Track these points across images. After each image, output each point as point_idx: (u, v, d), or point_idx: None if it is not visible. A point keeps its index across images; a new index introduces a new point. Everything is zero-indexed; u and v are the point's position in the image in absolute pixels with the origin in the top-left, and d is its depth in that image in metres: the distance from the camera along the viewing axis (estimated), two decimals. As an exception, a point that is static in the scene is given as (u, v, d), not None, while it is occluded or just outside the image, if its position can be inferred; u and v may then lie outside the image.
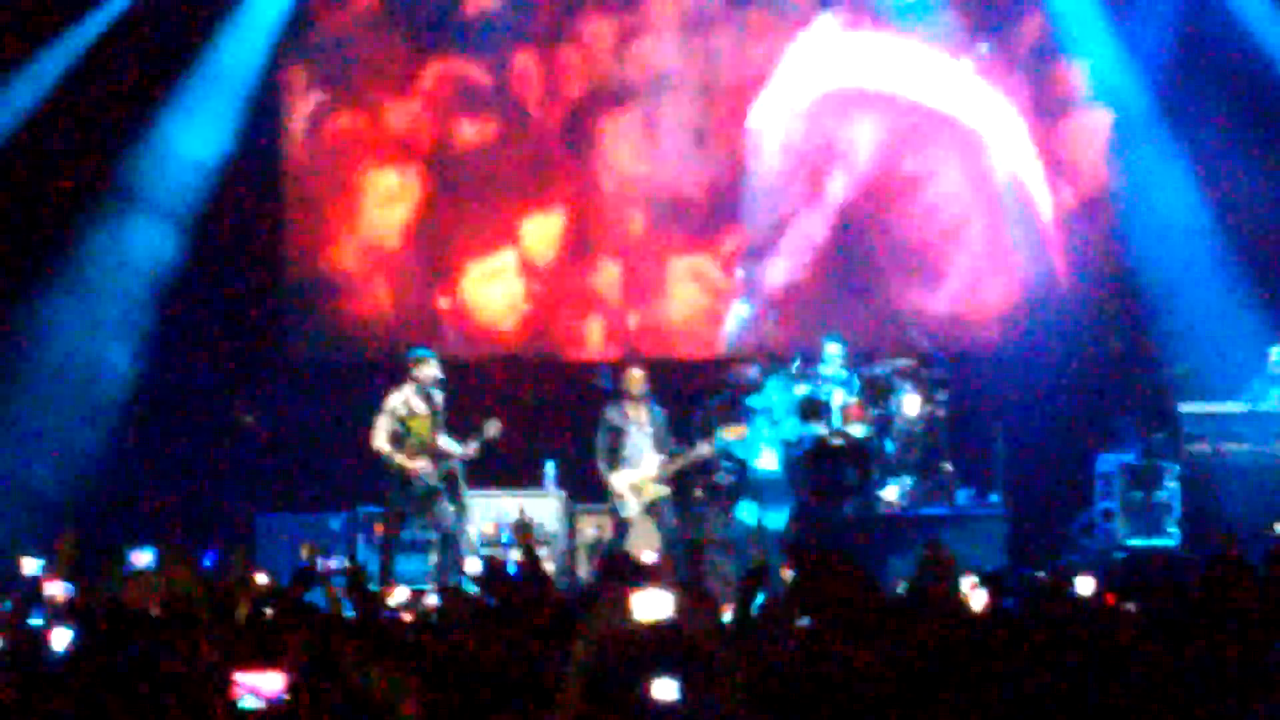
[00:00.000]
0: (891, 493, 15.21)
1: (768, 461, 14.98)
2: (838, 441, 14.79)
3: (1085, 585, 8.18)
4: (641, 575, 8.56)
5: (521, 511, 11.76)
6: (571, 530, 15.17)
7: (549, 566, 13.29)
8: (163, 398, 16.56)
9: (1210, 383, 15.40)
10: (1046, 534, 15.20)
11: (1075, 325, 16.88)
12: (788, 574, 9.29)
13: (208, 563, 9.88)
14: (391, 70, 17.43)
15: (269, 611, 7.65)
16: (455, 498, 14.04)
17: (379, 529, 14.38)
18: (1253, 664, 6.26)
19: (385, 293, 17.43)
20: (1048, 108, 17.29)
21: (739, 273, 17.39)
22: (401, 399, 13.89)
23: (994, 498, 15.33)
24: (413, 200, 17.43)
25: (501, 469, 14.89)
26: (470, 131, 17.43)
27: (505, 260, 17.38)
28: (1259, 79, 16.43)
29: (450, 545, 13.76)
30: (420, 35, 17.47)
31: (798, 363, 15.39)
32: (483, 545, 14.41)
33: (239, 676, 5.77)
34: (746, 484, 14.92)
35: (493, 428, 13.85)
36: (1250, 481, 14.66)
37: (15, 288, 16.39)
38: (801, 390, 15.18)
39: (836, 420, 14.99)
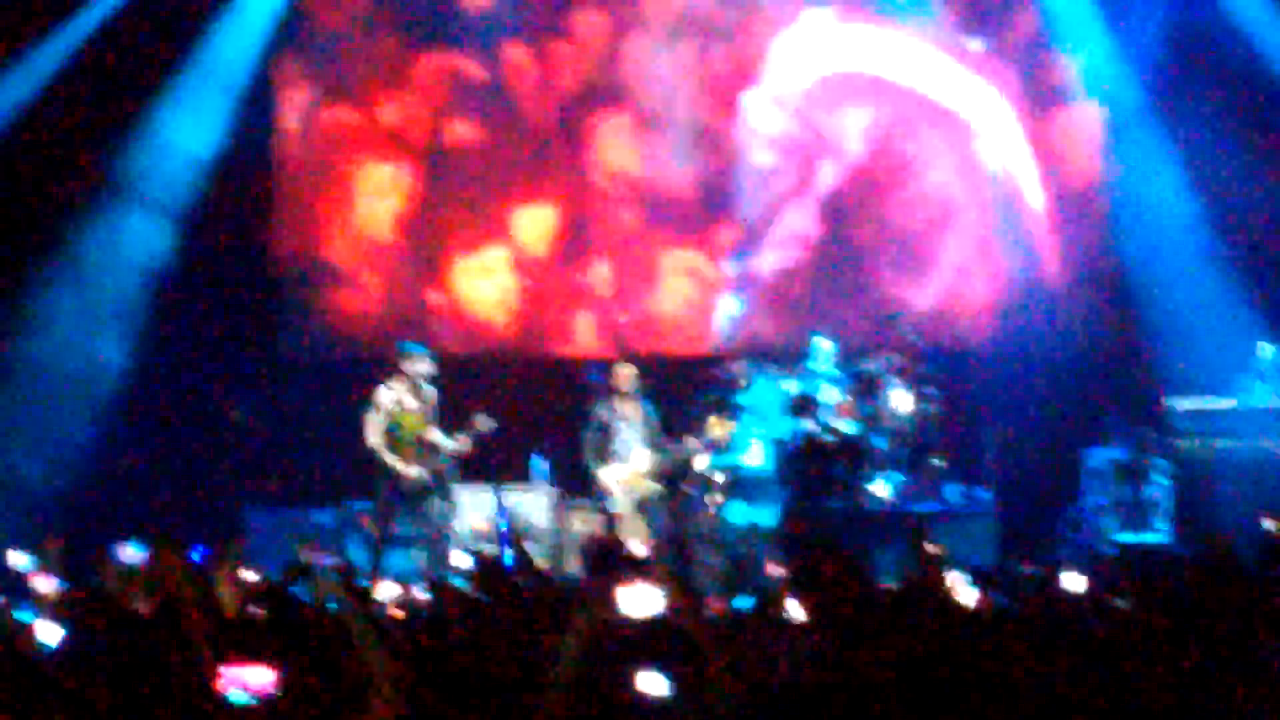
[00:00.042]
0: (881, 489, 15.21)
1: (755, 458, 14.99)
2: (828, 438, 14.79)
3: (1074, 582, 8.19)
4: (631, 567, 8.56)
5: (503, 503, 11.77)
6: (561, 526, 15.16)
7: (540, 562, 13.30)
8: (153, 392, 16.55)
9: (1199, 378, 15.42)
10: (1036, 530, 15.20)
11: (1065, 320, 16.90)
12: (775, 571, 9.31)
13: (197, 557, 9.85)
14: (385, 65, 17.44)
15: (258, 607, 7.64)
16: (444, 493, 14.03)
17: (367, 524, 14.37)
18: (1243, 659, 6.27)
19: (377, 287, 17.43)
20: (1039, 102, 17.30)
21: (729, 267, 17.39)
22: (392, 395, 13.88)
23: (984, 493, 15.33)
24: (405, 195, 17.45)
25: (491, 464, 14.87)
26: (463, 126, 17.45)
27: (497, 255, 17.40)
28: (1251, 76, 16.44)
29: (439, 540, 13.75)
30: (414, 30, 17.49)
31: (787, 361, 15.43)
32: (472, 541, 14.39)
33: (228, 671, 5.76)
34: (735, 482, 14.94)
35: (484, 422, 13.84)
36: (1239, 477, 14.68)
37: (8, 282, 16.38)
38: (791, 387, 15.20)
39: (827, 416, 15.00)
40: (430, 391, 13.98)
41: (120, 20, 16.52)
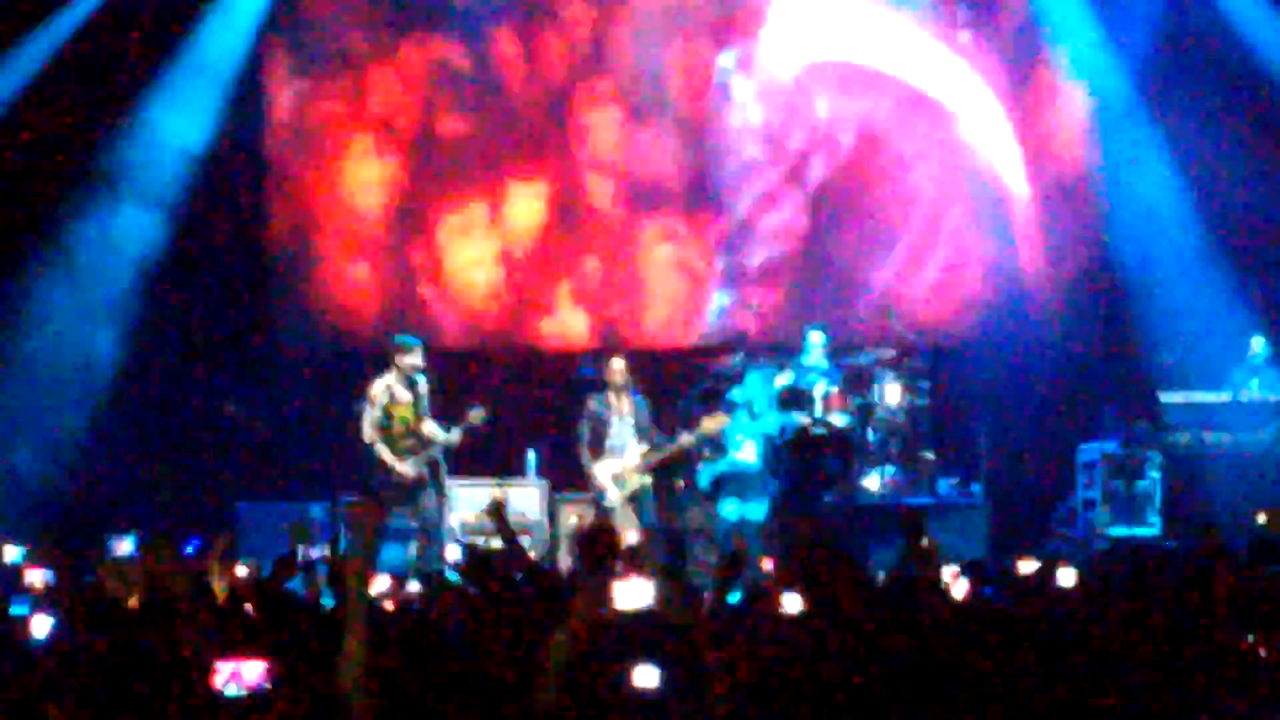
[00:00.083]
0: (873, 482, 15.22)
1: (747, 454, 15.00)
2: (819, 431, 14.80)
3: (1066, 577, 8.19)
4: (623, 558, 8.57)
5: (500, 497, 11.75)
6: (553, 519, 15.16)
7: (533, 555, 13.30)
8: (146, 386, 16.54)
9: (1192, 372, 15.44)
10: (1028, 523, 15.21)
11: (1057, 314, 16.91)
12: (766, 565, 9.31)
13: (190, 550, 9.85)
14: (374, 53, 17.42)
15: (250, 599, 7.64)
16: (436, 486, 14.02)
17: (350, 514, 14.32)
18: (1234, 652, 6.28)
19: (369, 280, 17.41)
20: (1026, 91, 17.28)
21: (719, 259, 17.40)
22: (384, 387, 13.86)
23: (975, 487, 15.34)
24: (395, 185, 17.45)
25: (484, 457, 14.87)
26: (452, 115, 17.43)
27: (486, 245, 17.40)
28: (1241, 68, 16.44)
29: (431, 534, 13.75)
30: (402, 17, 17.47)
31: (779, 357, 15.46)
32: (464, 534, 14.38)
33: (220, 664, 5.75)
34: (726, 476, 14.95)
35: (477, 414, 13.83)
36: (1232, 471, 14.69)
37: (1, 274, 16.38)
38: (783, 381, 15.20)
39: (818, 410, 15.00)
40: (423, 383, 13.97)
41: (109, 12, 16.50)
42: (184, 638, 6.37)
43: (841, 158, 17.32)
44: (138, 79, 16.63)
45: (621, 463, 14.14)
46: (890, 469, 15.30)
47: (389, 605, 8.41)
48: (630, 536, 13.23)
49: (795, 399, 14.86)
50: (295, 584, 8.56)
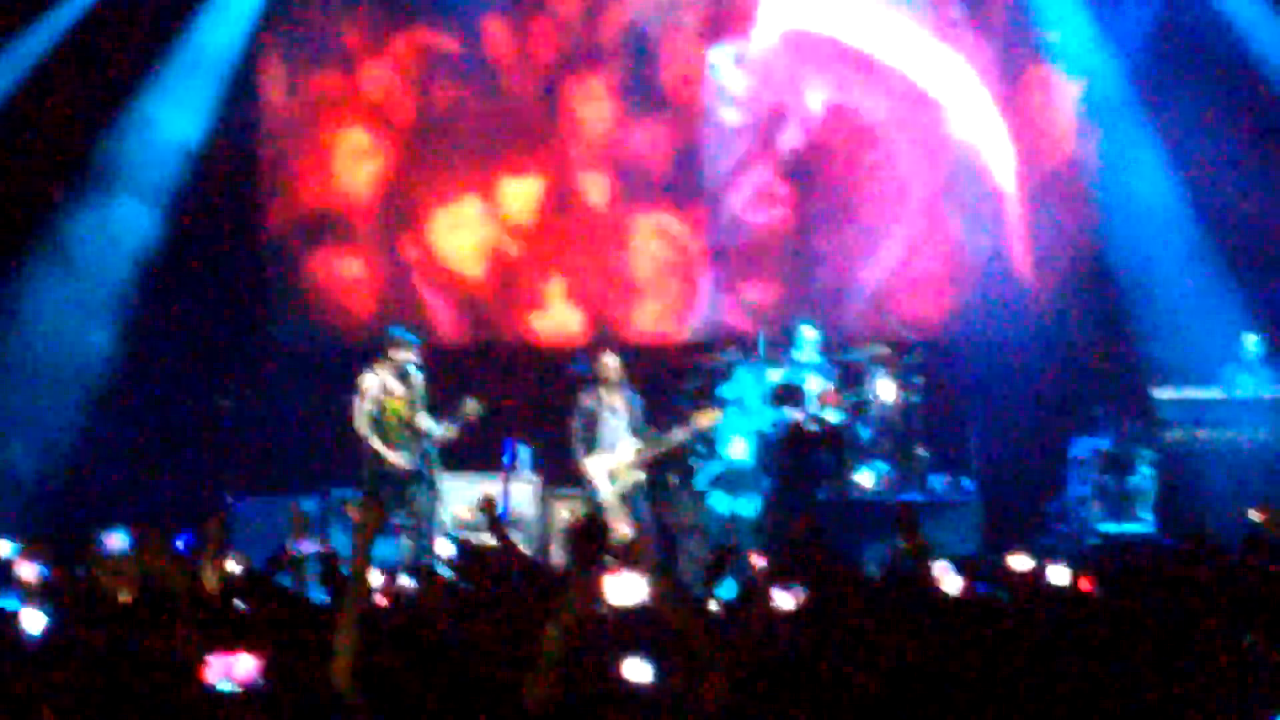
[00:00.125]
0: (866, 478, 15.22)
1: (738, 450, 15.00)
2: (812, 427, 14.80)
3: (1059, 575, 8.20)
4: (615, 553, 8.57)
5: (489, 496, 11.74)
6: (546, 515, 15.15)
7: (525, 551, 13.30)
8: (140, 380, 16.54)
9: (1185, 368, 15.44)
10: (1020, 519, 15.21)
11: (1049, 310, 16.93)
12: (758, 562, 9.31)
13: (181, 545, 9.83)
14: (368, 48, 17.42)
15: (242, 594, 7.64)
16: (429, 481, 14.02)
17: (351, 512, 14.33)
18: (1226, 649, 6.28)
19: (362, 273, 17.42)
20: (1019, 87, 17.29)
21: (711, 254, 17.43)
22: (376, 379, 13.86)
23: (968, 483, 15.34)
24: (389, 179, 17.46)
25: (475, 453, 14.86)
26: (445, 109, 17.45)
27: (479, 241, 17.43)
28: (1235, 64, 16.44)
29: (423, 528, 13.74)
30: (397, 11, 17.51)
31: (767, 347, 15.45)
32: (456, 529, 14.38)
33: (213, 659, 5.76)
34: (718, 472, 14.95)
35: (472, 407, 13.83)
36: (1225, 467, 14.68)
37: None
38: (775, 377, 15.20)
39: (811, 405, 15.00)
40: (417, 377, 13.96)
41: (105, 7, 16.51)
42: (177, 633, 6.37)
43: (833, 153, 17.32)
44: (133, 74, 16.65)
45: (614, 458, 14.14)
46: (883, 465, 15.30)
47: (382, 600, 8.42)
48: (623, 532, 13.25)
49: (789, 395, 14.86)
50: (284, 578, 8.57)
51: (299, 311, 17.36)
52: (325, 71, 17.46)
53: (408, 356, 13.95)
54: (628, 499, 14.16)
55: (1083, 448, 15.41)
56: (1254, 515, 11.43)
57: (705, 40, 17.43)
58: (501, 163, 17.43)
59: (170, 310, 16.71)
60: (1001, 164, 17.26)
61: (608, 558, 8.19)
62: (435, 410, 13.94)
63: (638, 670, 5.54)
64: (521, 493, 14.99)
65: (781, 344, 15.63)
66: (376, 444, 13.75)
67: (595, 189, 17.44)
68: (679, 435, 14.33)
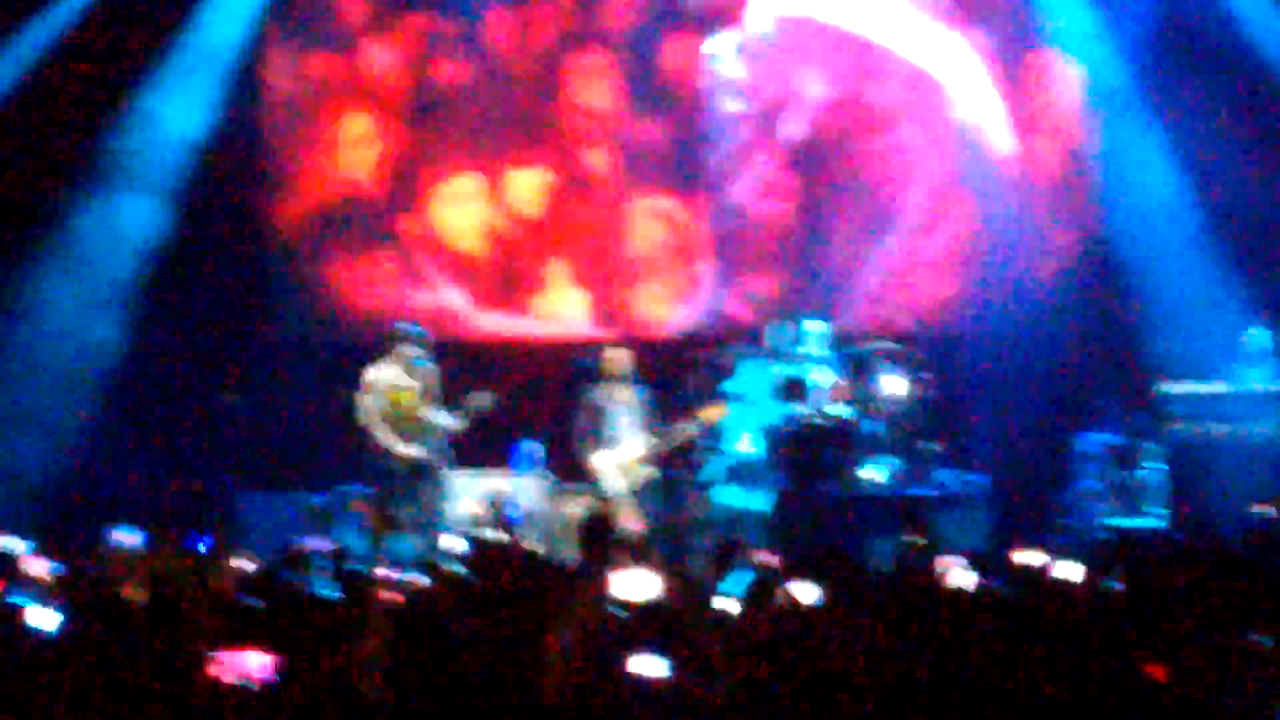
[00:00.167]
0: (874, 473, 15.22)
1: (744, 445, 15.00)
2: (820, 422, 14.80)
3: (1068, 570, 8.21)
4: (624, 549, 8.58)
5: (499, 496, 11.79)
6: (555, 511, 15.14)
7: (536, 547, 13.32)
8: (146, 375, 16.55)
9: (1191, 362, 15.45)
10: (1029, 514, 15.21)
11: (1057, 304, 16.94)
12: (767, 559, 9.31)
13: (201, 548, 9.85)
14: (372, 37, 17.43)
15: (253, 591, 7.65)
16: (438, 477, 14.03)
17: (362, 508, 14.36)
18: (1232, 642, 6.29)
19: (367, 267, 17.43)
20: (1023, 79, 17.28)
21: (713, 244, 17.46)
22: (384, 373, 13.86)
23: (977, 478, 15.34)
24: (393, 170, 17.48)
25: (485, 448, 14.86)
26: (449, 90, 17.46)
27: (485, 231, 17.44)
28: (1240, 58, 16.44)
29: (433, 524, 13.75)
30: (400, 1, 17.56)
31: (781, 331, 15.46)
32: (468, 525, 14.38)
33: (224, 657, 5.77)
34: (729, 465, 14.96)
35: (483, 399, 13.82)
36: (1231, 462, 14.69)
37: (1, 265, 16.38)
38: (781, 372, 15.20)
39: (819, 400, 15.00)
40: (427, 370, 13.95)
41: (108, 2, 16.52)
42: (188, 629, 6.38)
43: (836, 141, 17.33)
44: (138, 69, 16.65)
45: (622, 454, 14.14)
46: (892, 460, 15.30)
47: (392, 596, 8.42)
48: (632, 528, 13.26)
49: (796, 389, 14.86)
50: (289, 574, 8.58)
51: (306, 306, 17.37)
52: (329, 63, 17.45)
53: (415, 350, 13.95)
54: (636, 494, 14.17)
55: (1091, 442, 15.41)
56: (1260, 509, 11.46)
57: (704, 28, 17.42)
58: (506, 150, 17.45)
59: (177, 305, 16.72)
60: (1005, 154, 17.26)
61: (617, 555, 8.19)
62: (445, 404, 13.93)
63: (648, 665, 5.55)
64: (531, 489, 14.99)
65: (789, 337, 15.62)
66: (385, 438, 13.74)
67: (597, 175, 17.44)
68: (685, 430, 14.33)
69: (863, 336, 15.97)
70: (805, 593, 6.75)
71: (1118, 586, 7.70)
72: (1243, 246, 16.41)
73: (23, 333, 16.36)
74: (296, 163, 17.44)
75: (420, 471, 13.79)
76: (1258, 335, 15.35)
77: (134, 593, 7.44)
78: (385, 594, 8.49)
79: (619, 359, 14.31)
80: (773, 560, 9.03)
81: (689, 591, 6.08)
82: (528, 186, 17.45)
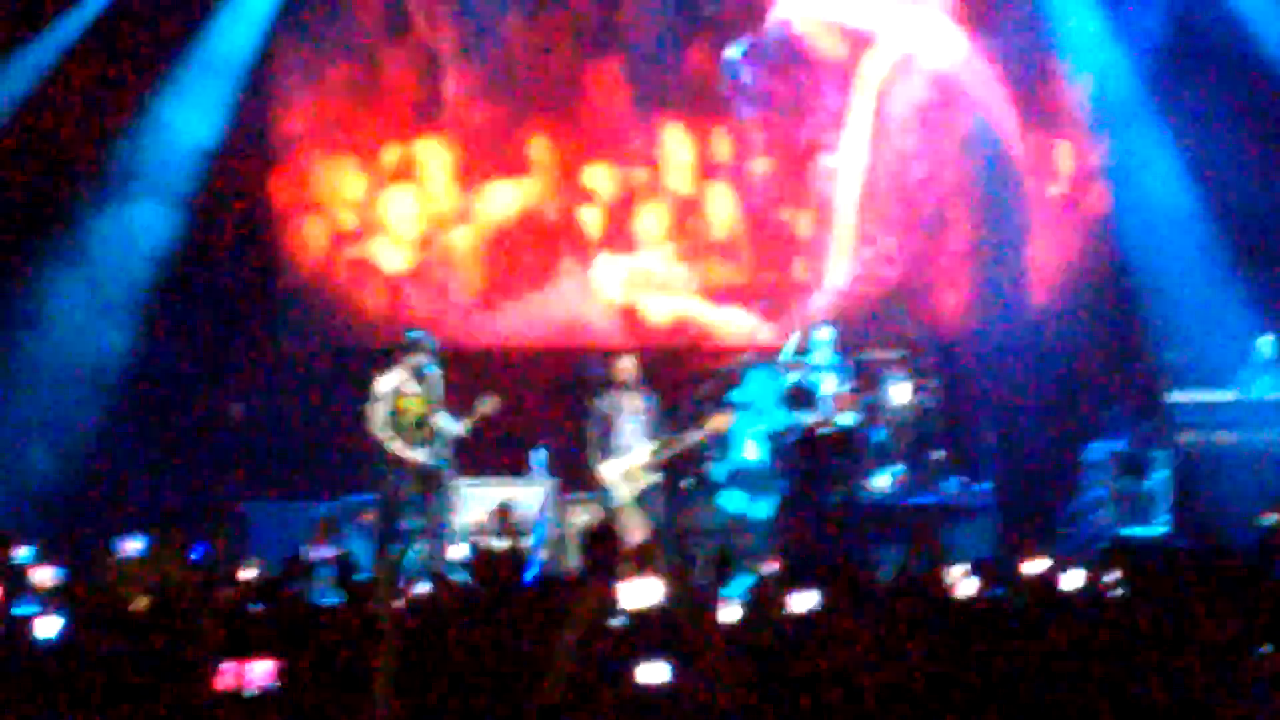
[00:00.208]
0: (881, 482, 15.21)
1: (750, 453, 15.00)
2: (827, 430, 14.79)
3: (1073, 580, 8.20)
4: (629, 558, 8.57)
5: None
6: (561, 518, 15.14)
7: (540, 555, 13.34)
8: (155, 384, 16.56)
9: (1199, 370, 15.44)
10: (1036, 523, 15.19)
11: (1063, 312, 16.93)
12: (770, 567, 9.31)
13: (196, 556, 9.85)
14: (384, 45, 17.46)
15: (258, 600, 7.65)
16: (444, 485, 14.02)
17: (367, 518, 14.37)
18: (1240, 652, 6.27)
19: (378, 276, 17.43)
20: (1033, 86, 17.28)
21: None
22: (391, 381, 13.85)
23: (983, 486, 15.33)
24: (401, 181, 17.49)
25: (492, 457, 14.86)
26: (462, 96, 17.47)
27: (495, 242, 17.45)
28: (1250, 65, 16.42)
29: (438, 533, 13.73)
30: (411, 8, 17.54)
31: (792, 346, 15.46)
32: (472, 533, 14.38)
33: (227, 665, 5.77)
34: (733, 473, 14.96)
35: (489, 404, 13.81)
36: (1239, 470, 14.67)
37: (10, 271, 16.39)
38: (789, 380, 15.20)
39: (826, 408, 15.00)
40: (434, 375, 13.94)
41: (122, 8, 16.54)
42: (192, 638, 6.38)
43: (845, 151, 17.34)
44: (150, 77, 16.67)
45: (629, 461, 14.13)
46: (898, 468, 15.29)
47: (398, 604, 8.42)
48: (637, 535, 13.24)
49: (803, 397, 14.86)
50: (294, 583, 8.57)
51: (312, 314, 17.36)
52: (341, 70, 17.45)
53: (422, 358, 13.95)
54: (643, 502, 14.16)
55: (1098, 451, 15.40)
56: (1269, 518, 11.43)
57: (722, 34, 17.44)
58: (519, 158, 17.45)
59: (187, 313, 16.73)
60: (1015, 162, 17.26)
61: (622, 563, 8.19)
62: (453, 412, 13.92)
63: (652, 673, 5.54)
64: (537, 497, 14.99)
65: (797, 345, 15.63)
66: (395, 446, 13.72)
67: (606, 183, 17.47)
68: (693, 437, 14.32)
69: (870, 345, 15.96)
70: (802, 601, 6.74)
71: (1121, 594, 7.69)
72: (1251, 254, 16.39)
73: (33, 338, 16.37)
74: (307, 169, 17.44)
75: (428, 480, 13.78)
76: (1266, 343, 15.34)
77: (138, 601, 7.45)
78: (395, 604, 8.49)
79: (627, 367, 14.30)
80: (774, 567, 9.03)
81: (691, 598, 6.07)
82: (543, 203, 17.46)
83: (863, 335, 16.24)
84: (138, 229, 16.65)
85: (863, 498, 14.97)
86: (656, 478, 14.21)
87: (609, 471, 14.11)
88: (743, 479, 14.96)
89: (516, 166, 17.44)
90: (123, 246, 16.62)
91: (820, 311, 16.53)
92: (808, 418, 14.83)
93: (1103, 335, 16.84)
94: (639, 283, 17.38)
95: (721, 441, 14.87)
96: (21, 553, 10.02)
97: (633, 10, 17.40)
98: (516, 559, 8.52)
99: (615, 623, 6.39)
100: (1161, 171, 16.70)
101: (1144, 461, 15.09)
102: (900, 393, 15.46)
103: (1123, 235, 16.90)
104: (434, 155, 17.49)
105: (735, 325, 17.24)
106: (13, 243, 16.47)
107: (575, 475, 14.77)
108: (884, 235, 17.29)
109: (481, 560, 8.34)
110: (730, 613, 7.08)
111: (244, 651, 5.93)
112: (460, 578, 8.87)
